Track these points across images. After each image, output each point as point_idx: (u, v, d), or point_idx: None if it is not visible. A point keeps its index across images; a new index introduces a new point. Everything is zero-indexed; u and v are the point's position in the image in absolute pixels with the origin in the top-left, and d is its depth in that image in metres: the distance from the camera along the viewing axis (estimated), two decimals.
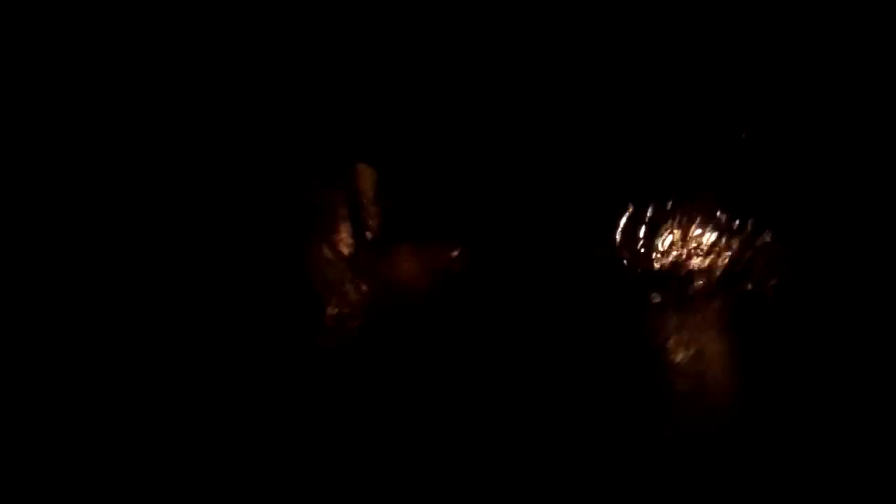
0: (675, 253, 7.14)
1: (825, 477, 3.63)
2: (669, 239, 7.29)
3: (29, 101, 5.88)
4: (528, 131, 6.81)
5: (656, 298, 7.07)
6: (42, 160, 5.85)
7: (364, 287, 6.78)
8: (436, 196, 6.88)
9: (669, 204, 7.11)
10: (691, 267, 7.05)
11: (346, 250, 6.76)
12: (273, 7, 6.39)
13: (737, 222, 6.93)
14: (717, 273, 7.06)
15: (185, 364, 5.78)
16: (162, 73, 6.31)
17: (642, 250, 7.28)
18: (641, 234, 7.25)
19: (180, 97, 6.34)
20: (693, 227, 7.24)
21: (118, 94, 6.15)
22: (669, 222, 7.25)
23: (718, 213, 7.10)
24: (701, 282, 7.02)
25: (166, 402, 5.06)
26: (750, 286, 7.01)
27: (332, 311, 6.71)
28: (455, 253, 7.02)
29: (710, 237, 7.17)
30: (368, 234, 6.90)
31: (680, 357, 6.18)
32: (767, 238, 6.90)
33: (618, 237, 7.44)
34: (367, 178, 7.07)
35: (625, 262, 7.45)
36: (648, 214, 7.23)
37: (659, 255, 7.33)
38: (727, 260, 7.08)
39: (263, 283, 6.51)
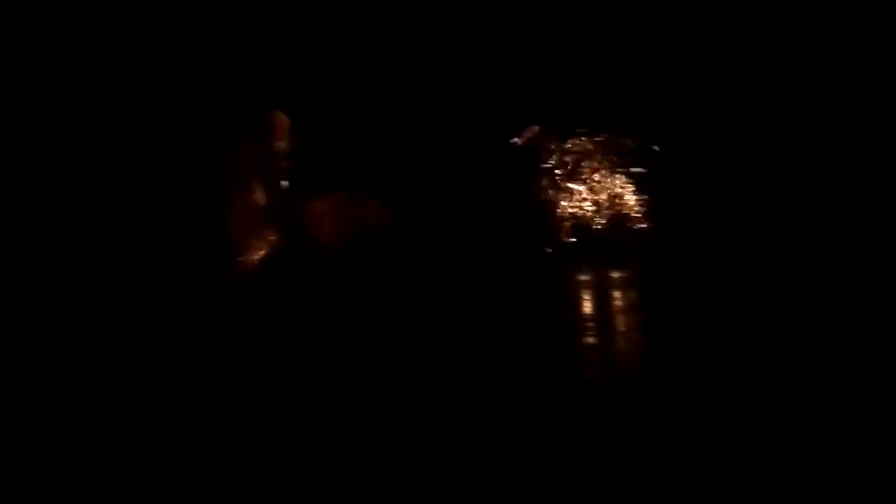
0: (591, 214, 7.31)
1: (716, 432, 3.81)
2: (585, 200, 7.45)
3: None
4: (447, 86, 6.80)
5: (571, 258, 7.26)
6: None
7: (277, 236, 6.72)
8: (352, 146, 6.83)
9: (587, 166, 7.27)
10: (606, 228, 7.27)
11: (259, 199, 6.67)
12: None
13: (652, 189, 7.16)
14: (629, 236, 7.30)
15: (100, 310, 5.69)
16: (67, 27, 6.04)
17: (556, 210, 7.43)
18: (559, 194, 7.40)
19: (90, 47, 6.11)
20: (609, 191, 7.42)
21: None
22: (586, 185, 7.41)
23: (634, 180, 7.31)
24: (614, 243, 7.25)
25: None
26: (661, 246, 7.26)
27: (244, 260, 6.64)
28: (370, 203, 7.00)
29: (624, 201, 7.38)
30: (283, 184, 6.82)
31: (590, 312, 6.38)
32: (675, 203, 7.14)
33: (537, 195, 7.56)
34: (282, 126, 6.95)
35: (540, 220, 7.59)
36: (564, 175, 7.38)
37: (574, 216, 7.49)
38: (640, 223, 7.31)
39: (175, 233, 6.39)
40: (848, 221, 6.02)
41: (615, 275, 7.12)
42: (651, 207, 7.29)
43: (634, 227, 7.28)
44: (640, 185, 7.39)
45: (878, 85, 6.05)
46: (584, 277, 7.37)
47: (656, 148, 7.20)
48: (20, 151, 5.94)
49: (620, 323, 6.17)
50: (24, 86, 5.94)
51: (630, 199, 7.51)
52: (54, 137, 6.00)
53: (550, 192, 7.75)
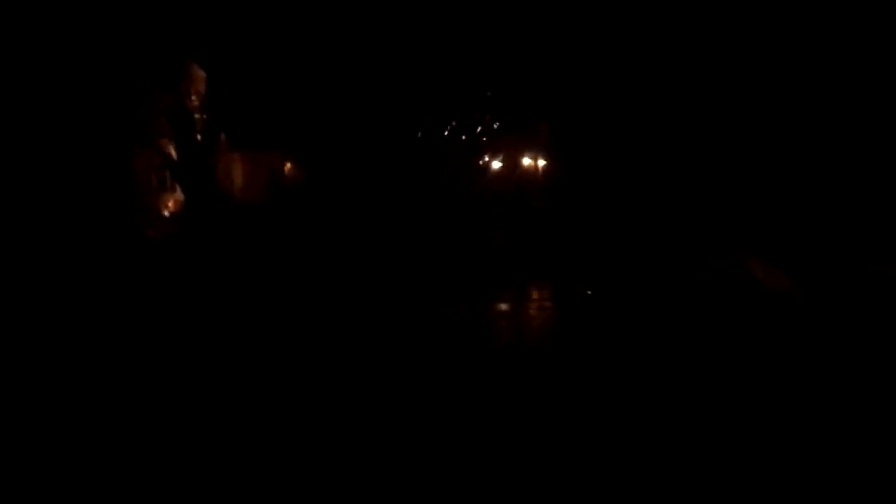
0: (496, 193, 7.72)
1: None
2: (490, 179, 7.83)
3: None
4: (356, 52, 6.95)
5: (472, 231, 7.61)
6: None
7: (189, 190, 6.77)
8: (268, 105, 6.91)
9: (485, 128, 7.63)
10: (510, 208, 7.72)
11: (173, 153, 6.69)
12: None
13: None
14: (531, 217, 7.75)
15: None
16: None
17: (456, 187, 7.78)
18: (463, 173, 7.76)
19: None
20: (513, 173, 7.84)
21: None
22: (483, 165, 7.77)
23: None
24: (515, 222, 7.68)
25: None
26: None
27: (156, 213, 6.66)
28: (285, 162, 7.14)
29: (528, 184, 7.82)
30: (198, 138, 6.86)
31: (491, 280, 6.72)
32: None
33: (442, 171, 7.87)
34: (199, 81, 6.96)
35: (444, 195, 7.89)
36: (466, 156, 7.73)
37: (478, 192, 7.87)
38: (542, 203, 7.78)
39: (89, 184, 6.31)
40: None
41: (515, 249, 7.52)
42: (552, 192, 7.77)
43: (536, 208, 7.72)
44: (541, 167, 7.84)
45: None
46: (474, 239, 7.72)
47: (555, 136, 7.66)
48: None
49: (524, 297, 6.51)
50: None
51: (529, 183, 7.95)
52: None
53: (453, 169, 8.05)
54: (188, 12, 6.58)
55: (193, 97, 6.83)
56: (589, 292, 6.08)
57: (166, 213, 6.65)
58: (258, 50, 6.87)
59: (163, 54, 6.61)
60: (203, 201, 6.64)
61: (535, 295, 6.07)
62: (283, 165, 7.14)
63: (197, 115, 6.81)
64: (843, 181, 6.49)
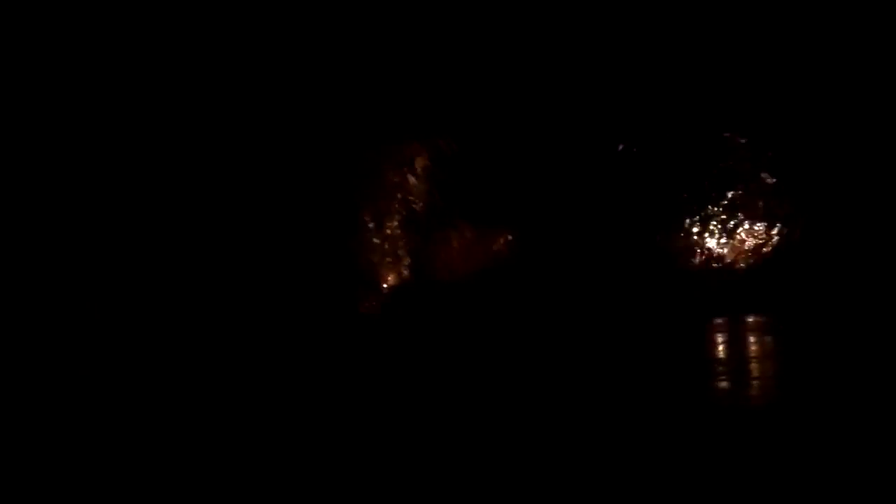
0: (718, 254, 7.09)
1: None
2: (712, 240, 7.22)
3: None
4: (584, 126, 6.81)
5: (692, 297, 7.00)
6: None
7: (408, 261, 6.91)
8: (491, 183, 6.94)
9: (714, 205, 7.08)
10: (734, 266, 7.04)
11: (395, 224, 6.89)
12: None
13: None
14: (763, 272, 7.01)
15: (234, 326, 5.99)
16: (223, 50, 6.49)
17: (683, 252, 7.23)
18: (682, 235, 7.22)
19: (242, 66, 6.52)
20: (738, 230, 7.19)
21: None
22: (713, 223, 7.19)
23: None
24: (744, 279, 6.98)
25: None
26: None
27: (375, 284, 6.84)
28: (502, 239, 7.09)
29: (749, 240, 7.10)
30: (418, 212, 7.03)
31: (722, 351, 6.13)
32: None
33: (658, 239, 7.39)
34: (422, 158, 7.19)
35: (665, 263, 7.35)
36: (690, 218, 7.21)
37: (700, 256, 7.25)
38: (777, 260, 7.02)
39: (311, 253, 6.64)
40: None
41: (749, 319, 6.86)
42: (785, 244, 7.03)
43: (771, 264, 6.99)
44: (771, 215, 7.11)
45: None
46: (716, 320, 7.10)
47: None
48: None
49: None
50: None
51: (765, 233, 7.23)
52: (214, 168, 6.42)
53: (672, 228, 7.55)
54: (422, 93, 6.68)
55: (416, 173, 6.97)
56: None
57: (382, 285, 6.76)
58: (485, 132, 6.86)
59: (391, 130, 6.77)
60: (420, 273, 6.68)
61: None
62: (499, 241, 7.05)
63: (418, 190, 6.93)
64: None
